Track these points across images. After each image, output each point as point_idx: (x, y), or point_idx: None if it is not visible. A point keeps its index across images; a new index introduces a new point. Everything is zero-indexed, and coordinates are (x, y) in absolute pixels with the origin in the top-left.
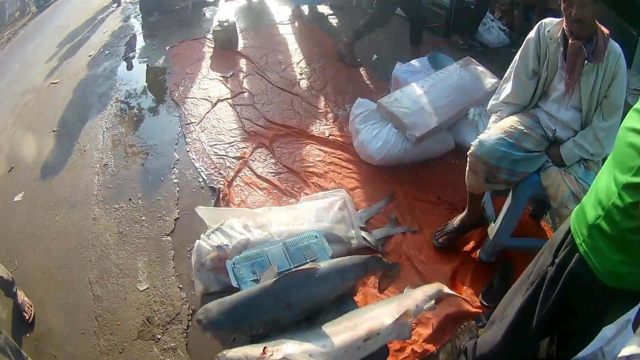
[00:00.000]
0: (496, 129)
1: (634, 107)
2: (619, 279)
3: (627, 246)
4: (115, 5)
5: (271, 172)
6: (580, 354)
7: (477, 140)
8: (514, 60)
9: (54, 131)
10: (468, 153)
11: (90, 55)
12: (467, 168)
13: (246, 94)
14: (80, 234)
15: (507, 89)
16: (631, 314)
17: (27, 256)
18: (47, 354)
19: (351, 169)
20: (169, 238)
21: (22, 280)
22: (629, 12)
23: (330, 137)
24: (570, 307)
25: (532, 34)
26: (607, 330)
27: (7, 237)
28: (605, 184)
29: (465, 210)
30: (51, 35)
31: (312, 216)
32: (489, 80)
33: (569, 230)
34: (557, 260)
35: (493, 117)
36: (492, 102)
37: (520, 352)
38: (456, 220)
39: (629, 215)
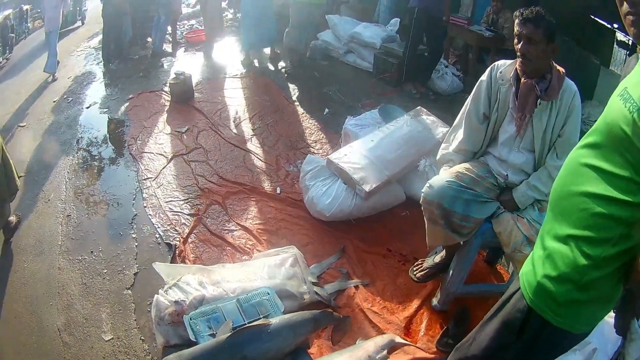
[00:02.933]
0: (446, 173)
1: (584, 144)
2: (591, 325)
3: (610, 293)
4: (50, 79)
5: (224, 230)
6: None
7: (427, 184)
8: (464, 106)
9: (19, 177)
10: (421, 201)
11: (54, 101)
12: (426, 222)
13: (200, 150)
14: (47, 281)
15: (458, 136)
16: (595, 344)
17: None
18: None
19: (302, 225)
20: (130, 292)
21: None
22: (588, 41)
23: (282, 193)
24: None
25: (484, 77)
26: None
27: None
28: (567, 258)
29: (444, 251)
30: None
31: (264, 273)
32: (440, 129)
33: (526, 308)
34: (525, 337)
35: (444, 167)
36: (441, 151)
37: None
38: (437, 257)
39: (617, 277)
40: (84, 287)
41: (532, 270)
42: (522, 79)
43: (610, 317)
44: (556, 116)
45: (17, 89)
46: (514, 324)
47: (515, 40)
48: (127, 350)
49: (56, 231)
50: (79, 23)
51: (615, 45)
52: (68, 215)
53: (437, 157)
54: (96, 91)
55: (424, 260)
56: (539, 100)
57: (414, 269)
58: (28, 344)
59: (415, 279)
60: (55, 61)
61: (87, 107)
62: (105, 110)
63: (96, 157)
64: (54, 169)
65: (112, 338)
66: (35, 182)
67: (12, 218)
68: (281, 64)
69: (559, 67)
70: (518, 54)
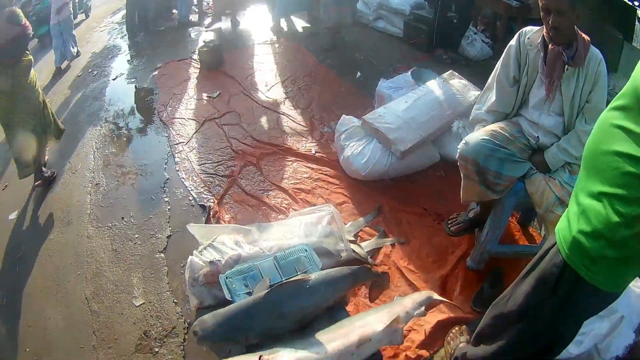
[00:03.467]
0: (481, 131)
1: (614, 106)
2: (622, 285)
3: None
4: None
5: (260, 190)
6: (573, 351)
7: (463, 141)
8: (495, 69)
9: (47, 150)
10: (457, 157)
11: (78, 75)
12: (462, 178)
13: (233, 114)
14: (75, 251)
15: (490, 98)
16: (623, 311)
17: (24, 273)
18: None
19: (338, 185)
20: (162, 255)
21: (20, 297)
22: (612, 16)
23: (317, 154)
24: (569, 315)
25: (512, 42)
26: (601, 328)
27: (4, 254)
28: (600, 215)
29: (479, 207)
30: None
31: (301, 231)
32: (472, 92)
33: (562, 264)
34: (559, 293)
35: (477, 127)
36: (474, 111)
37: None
38: (471, 212)
39: None
40: (114, 253)
41: (567, 226)
42: (550, 46)
43: (637, 287)
44: (583, 83)
45: (38, 67)
46: (549, 279)
47: (543, 14)
48: (159, 314)
49: (84, 200)
50: (82, 16)
51: (637, 23)
52: (97, 184)
53: (470, 117)
54: (122, 63)
55: (458, 214)
56: (566, 66)
57: (449, 222)
58: (54, 316)
59: (449, 232)
60: (63, 51)
61: (114, 79)
62: (132, 80)
63: (125, 126)
64: (81, 140)
65: (144, 303)
66: (62, 154)
67: (48, 171)
68: (312, 29)
69: (584, 35)
70: (549, 26)
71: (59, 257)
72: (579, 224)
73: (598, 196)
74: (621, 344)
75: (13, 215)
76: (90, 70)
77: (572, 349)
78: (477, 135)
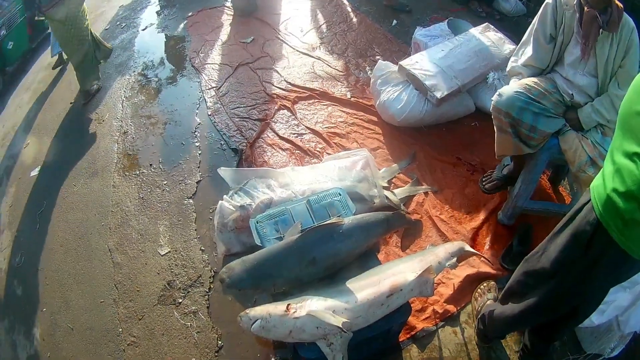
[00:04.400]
0: (515, 84)
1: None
2: None
3: None
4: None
5: (293, 134)
6: (595, 321)
7: (497, 93)
8: (532, 24)
9: (71, 103)
10: (491, 109)
11: (106, 29)
12: (495, 131)
13: (267, 58)
14: (100, 202)
15: (526, 52)
16: None
17: (44, 229)
18: (63, 327)
19: (373, 130)
20: (191, 201)
21: (40, 253)
22: None
23: (352, 98)
24: (596, 279)
25: (549, 0)
26: (623, 299)
27: (24, 212)
28: (634, 174)
29: (512, 163)
30: None
31: (334, 175)
32: (508, 46)
33: (595, 222)
34: (590, 253)
35: (512, 80)
36: (511, 63)
37: (541, 321)
38: (505, 169)
39: None
40: (140, 201)
41: (602, 183)
42: (585, 9)
43: None
44: (617, 48)
45: None
46: (582, 236)
47: None
48: (185, 263)
49: (111, 149)
50: None
51: None
52: (125, 132)
53: (507, 69)
54: (151, 14)
55: (492, 172)
56: (600, 30)
57: (483, 179)
58: (74, 271)
59: (484, 190)
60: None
61: (143, 30)
62: (162, 29)
63: (155, 74)
64: (109, 90)
65: (169, 251)
66: (87, 106)
67: (94, 84)
68: None
69: (617, 2)
70: None
71: (82, 210)
72: (614, 183)
73: (632, 156)
74: None
75: (35, 172)
76: (117, 23)
77: (595, 317)
78: (511, 87)
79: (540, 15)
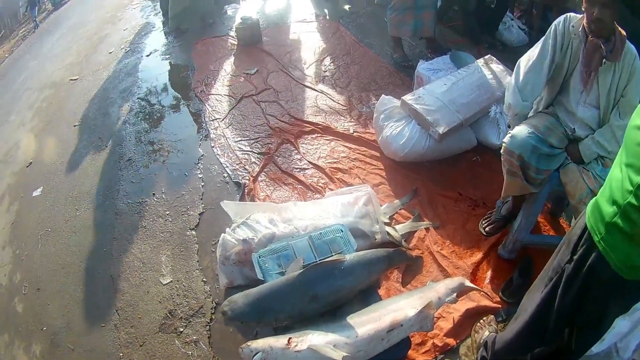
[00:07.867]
0: (524, 125)
1: None
2: (637, 272)
3: None
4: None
5: (296, 168)
6: (594, 349)
7: (509, 135)
8: (534, 46)
9: (75, 126)
10: (502, 151)
11: (110, 52)
12: (505, 174)
13: (270, 91)
14: (102, 228)
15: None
16: None
17: (46, 250)
18: (63, 348)
19: (375, 165)
20: (194, 232)
21: (41, 273)
22: None
23: (355, 133)
24: (589, 300)
25: (559, 24)
26: (622, 326)
27: (26, 231)
28: (619, 181)
29: (511, 203)
30: (68, 33)
31: (337, 211)
32: (510, 79)
33: (586, 227)
34: (575, 257)
35: (509, 113)
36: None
37: (538, 344)
38: (503, 209)
39: None
40: (143, 230)
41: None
42: (590, 37)
43: None
44: (619, 77)
45: (67, 44)
46: (572, 239)
47: (587, 5)
48: (186, 293)
49: (114, 176)
50: None
51: None
52: (128, 160)
53: (504, 105)
54: (156, 40)
55: (491, 213)
56: (604, 60)
57: (483, 222)
58: (75, 294)
59: (485, 234)
60: None
61: (147, 55)
62: (167, 57)
63: (159, 101)
64: (113, 115)
65: (171, 281)
66: (92, 130)
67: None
68: (351, 7)
69: (620, 29)
70: (593, 18)
71: (84, 234)
72: (603, 189)
73: (621, 166)
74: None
75: (37, 192)
76: (122, 47)
77: (594, 346)
78: (523, 129)
79: (546, 37)
